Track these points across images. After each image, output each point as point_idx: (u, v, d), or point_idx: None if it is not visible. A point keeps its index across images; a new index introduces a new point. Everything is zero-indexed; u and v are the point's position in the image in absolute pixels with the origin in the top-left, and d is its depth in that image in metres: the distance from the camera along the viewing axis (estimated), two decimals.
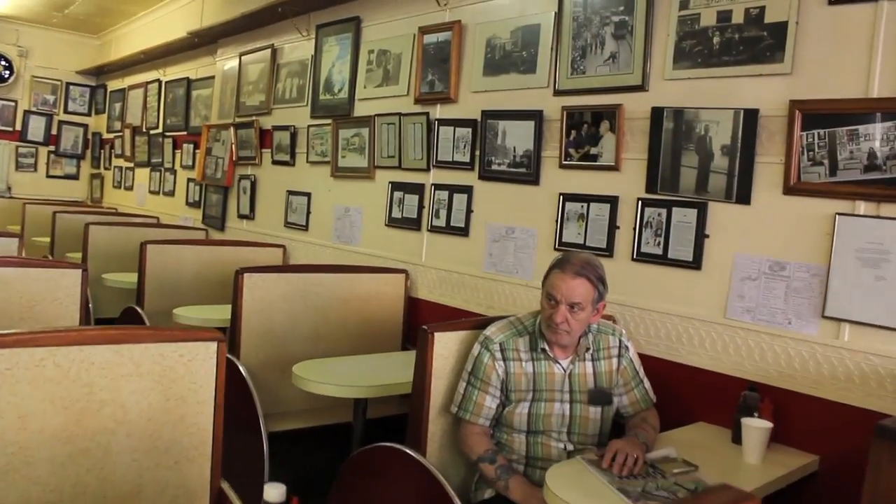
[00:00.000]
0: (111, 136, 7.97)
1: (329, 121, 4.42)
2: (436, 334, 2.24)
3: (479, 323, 2.37)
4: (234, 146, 5.39)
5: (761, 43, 2.49)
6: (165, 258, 4.26)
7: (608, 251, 2.92)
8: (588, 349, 2.24)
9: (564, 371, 2.22)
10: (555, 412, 2.20)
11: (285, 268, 3.45)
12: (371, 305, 3.66)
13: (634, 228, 2.84)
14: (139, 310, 4.06)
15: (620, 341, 2.32)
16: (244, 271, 3.22)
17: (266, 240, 4.95)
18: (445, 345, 2.29)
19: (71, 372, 1.60)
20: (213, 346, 1.78)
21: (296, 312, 3.40)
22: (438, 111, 3.70)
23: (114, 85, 8.04)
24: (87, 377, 1.62)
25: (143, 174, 7.13)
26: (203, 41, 5.77)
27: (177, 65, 6.59)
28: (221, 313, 3.63)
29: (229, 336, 3.26)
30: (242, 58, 5.41)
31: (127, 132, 7.31)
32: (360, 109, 4.23)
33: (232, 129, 5.39)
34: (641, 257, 2.82)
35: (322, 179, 4.51)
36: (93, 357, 1.63)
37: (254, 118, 5.19)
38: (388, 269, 3.77)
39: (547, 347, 2.20)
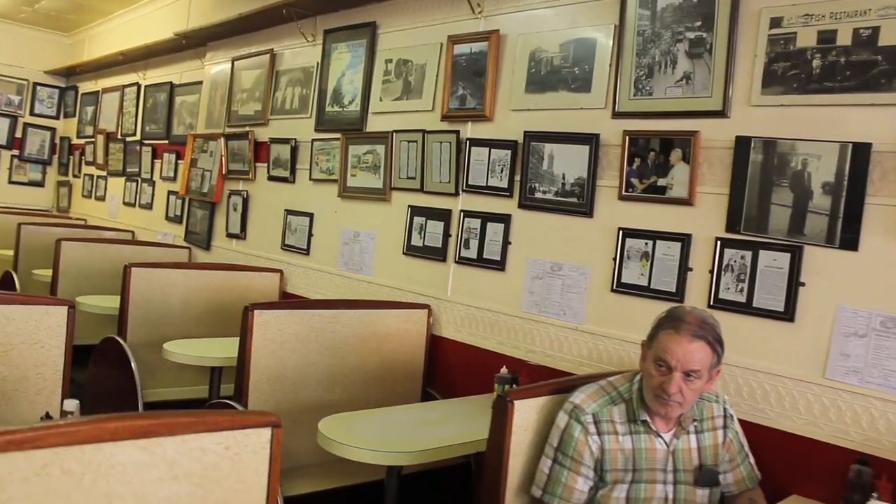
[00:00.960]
0: (81, 141, 7.40)
1: (337, 135, 4.02)
2: (516, 402, 1.85)
3: (560, 387, 2.00)
4: (223, 158, 4.94)
5: (874, 68, 2.19)
6: (151, 283, 3.80)
7: (678, 295, 2.58)
8: (693, 420, 1.89)
9: (667, 447, 1.86)
10: (657, 495, 1.85)
11: (298, 303, 3.04)
12: (390, 344, 3.26)
13: (711, 271, 2.51)
14: (121, 341, 3.60)
15: (725, 410, 1.99)
16: (254, 308, 2.80)
17: (260, 263, 4.51)
18: (524, 414, 1.91)
19: (85, 479, 1.18)
20: (267, 433, 1.37)
21: (310, 353, 2.99)
22: (470, 129, 3.33)
23: (86, 87, 7.48)
24: (107, 485, 1.20)
25: (116, 184, 6.60)
26: (191, 43, 5.32)
27: (158, 68, 6.11)
28: (219, 349, 3.22)
29: (235, 381, 2.84)
30: (235, 63, 4.98)
31: (100, 138, 6.77)
32: (375, 124, 3.84)
33: (222, 139, 4.94)
34: (720, 304, 2.48)
35: (327, 199, 4.10)
36: (113, 457, 1.21)
37: (248, 129, 4.75)
38: (409, 305, 3.38)
39: (648, 419, 1.84)
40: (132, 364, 3.50)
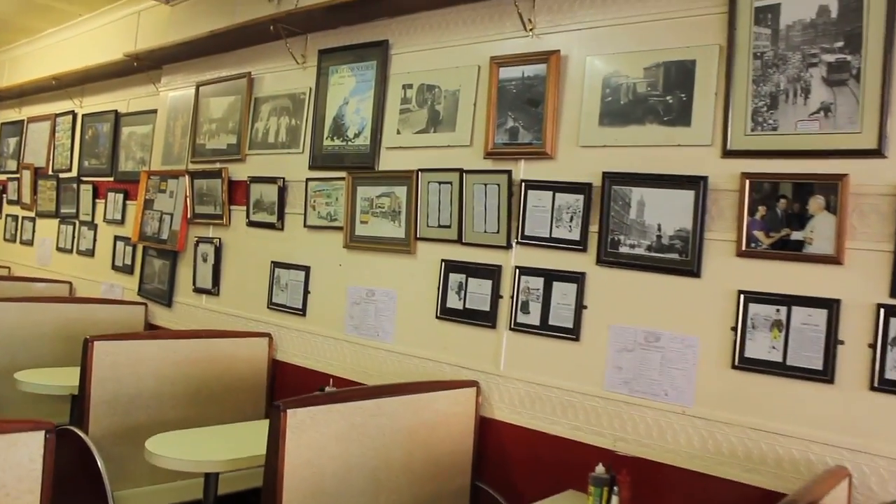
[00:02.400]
0: (2, 177, 6.42)
1: (341, 174, 3.39)
2: None
3: None
4: (188, 200, 4.20)
5: None
6: (118, 358, 3.06)
7: (825, 375, 2.10)
8: None
9: None
10: None
11: (338, 396, 2.38)
12: (438, 434, 2.66)
13: (873, 346, 2.03)
14: (81, 434, 2.85)
15: None
16: (287, 406, 2.14)
17: (238, 324, 3.80)
18: None
19: None
20: None
21: (350, 456, 2.35)
22: (524, 169, 2.79)
23: (7, 116, 6.51)
24: None
25: (48, 227, 5.69)
26: (143, 66, 4.56)
27: (100, 94, 5.29)
28: (218, 445, 2.55)
29: (263, 498, 2.16)
30: (202, 88, 4.27)
31: (26, 174, 5.85)
32: (390, 161, 3.23)
33: (186, 178, 4.21)
34: (887, 386, 2.00)
35: (329, 250, 3.45)
36: None
37: (219, 165, 4.05)
38: (455, 383, 2.78)
39: None
40: (98, 463, 2.76)
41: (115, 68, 4.84)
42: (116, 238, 4.91)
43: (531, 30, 2.81)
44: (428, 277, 3.05)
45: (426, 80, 3.13)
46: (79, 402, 2.99)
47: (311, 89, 3.62)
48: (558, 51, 2.70)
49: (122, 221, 4.88)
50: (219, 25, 3.94)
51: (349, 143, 3.39)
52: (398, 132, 3.20)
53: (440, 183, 3.01)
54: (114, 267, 4.91)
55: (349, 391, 2.78)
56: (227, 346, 3.46)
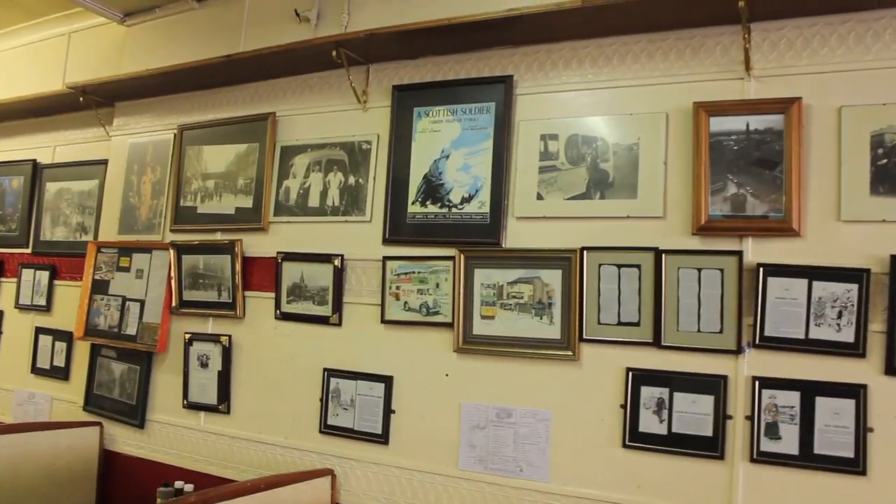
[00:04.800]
0: None
1: (446, 252, 2.52)
2: None
3: None
4: (173, 283, 3.08)
5: None
6: None
7: None
8: None
9: None
10: None
11: None
12: None
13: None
14: None
15: None
16: None
17: (266, 455, 2.78)
18: None
19: None
20: None
21: None
22: (756, 250, 2.12)
23: None
24: None
25: None
26: (91, 101, 3.39)
27: (7, 138, 3.95)
28: None
29: None
30: (187, 133, 3.19)
31: None
32: (524, 235, 2.44)
33: (170, 251, 3.09)
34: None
35: (425, 354, 2.55)
36: None
37: (221, 237, 3.00)
38: None
39: None
40: None
41: (33, 105, 3.60)
42: (39, 330, 3.59)
43: (748, 70, 2.17)
44: (603, 392, 2.26)
45: (580, 130, 2.39)
46: None
47: (379, 137, 2.73)
48: (799, 98, 2.08)
49: (46, 308, 3.59)
50: (200, 53, 2.99)
51: (453, 209, 2.54)
52: (539, 197, 2.41)
53: (620, 266, 2.26)
54: (35, 370, 3.57)
55: None
56: (281, 497, 2.42)
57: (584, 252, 2.31)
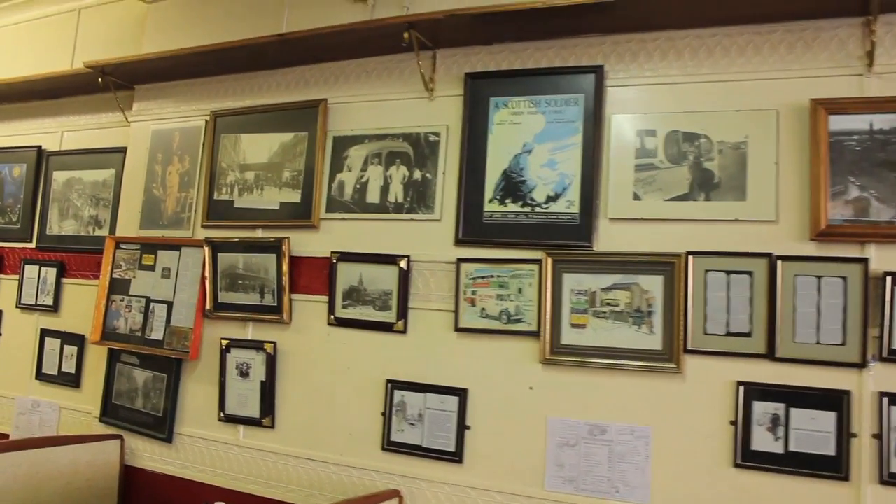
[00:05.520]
0: None
1: (530, 254, 2.34)
2: None
3: None
4: (207, 283, 2.82)
5: None
6: None
7: None
8: None
9: None
10: None
11: None
12: None
13: None
14: None
15: None
16: None
17: (319, 472, 2.56)
18: None
19: None
20: None
21: None
22: (876, 257, 1.98)
23: None
24: None
25: None
26: (111, 83, 3.09)
27: (5, 122, 3.60)
28: None
29: None
30: (221, 121, 2.93)
31: None
32: (618, 238, 2.27)
33: (204, 249, 2.83)
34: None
35: (505, 365, 2.36)
36: None
37: (262, 234, 2.76)
38: None
39: None
40: None
41: (40, 86, 3.28)
42: (45, 333, 3.27)
43: (868, 66, 2.04)
44: (710, 407, 2.10)
45: (680, 126, 2.23)
46: None
47: (448, 128, 2.53)
48: None
49: (53, 308, 3.27)
50: (239, 33, 2.73)
51: (536, 208, 2.36)
52: (636, 197, 2.24)
53: (729, 272, 2.11)
54: (40, 376, 3.26)
55: None
56: None
57: (690, 257, 2.15)
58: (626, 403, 2.20)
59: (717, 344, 2.11)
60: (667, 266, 2.17)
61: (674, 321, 2.15)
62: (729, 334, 2.11)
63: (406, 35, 2.41)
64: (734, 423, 2.07)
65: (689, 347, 2.14)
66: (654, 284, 2.19)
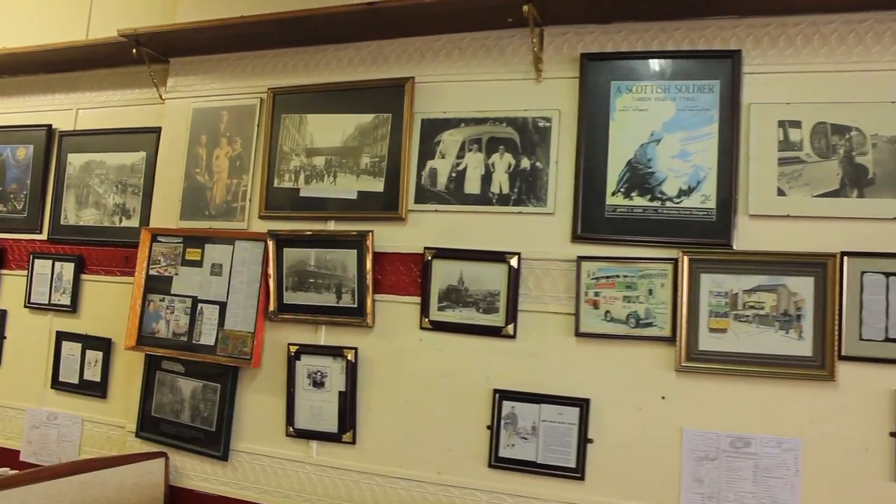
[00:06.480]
0: None
1: (662, 253, 2.15)
2: None
3: None
4: (271, 281, 2.51)
5: None
6: None
7: None
8: None
9: None
10: None
11: None
12: None
13: None
14: None
15: None
16: None
17: (407, 493, 2.32)
18: None
19: None
20: None
21: None
22: None
23: None
24: None
25: None
26: (145, 55, 2.71)
27: (8, 97, 3.15)
28: None
29: None
30: (280, 98, 2.61)
31: None
32: (762, 236, 2.11)
33: (268, 243, 2.52)
34: None
35: (633, 372, 2.17)
36: None
37: (343, 227, 2.47)
38: None
39: None
40: None
41: (58, 56, 2.86)
42: (61, 336, 2.86)
43: None
44: (867, 417, 1.98)
45: (828, 118, 2.08)
46: None
47: (560, 113, 2.31)
48: None
49: (72, 308, 2.87)
50: (292, 3, 2.43)
51: (667, 203, 2.17)
52: (780, 193, 2.09)
53: (889, 274, 1.98)
54: (57, 384, 2.85)
55: None
56: None
57: (845, 258, 2.01)
58: (773, 414, 2.05)
59: (875, 350, 1.98)
60: (818, 267, 2.03)
61: (826, 326, 2.01)
62: (888, 340, 1.98)
63: (525, 8, 2.17)
64: (895, 434, 1.95)
65: (844, 354, 2.00)
66: (803, 286, 2.04)
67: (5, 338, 3.00)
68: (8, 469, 2.73)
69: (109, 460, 2.41)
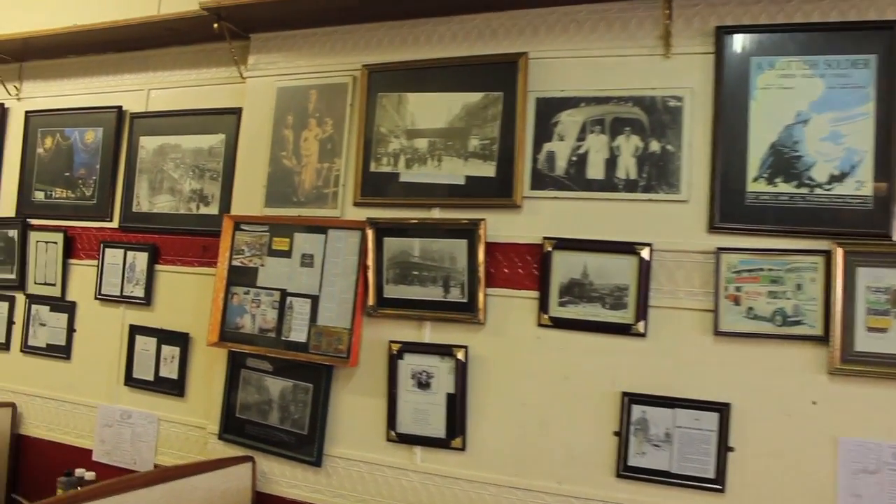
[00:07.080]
0: None
1: (810, 244, 1.97)
2: None
3: None
4: (370, 273, 2.33)
5: None
6: None
7: None
8: None
9: None
10: None
11: None
12: None
13: None
14: None
15: None
16: None
17: (524, 502, 2.15)
18: None
19: None
20: None
21: None
22: None
23: None
24: None
25: None
26: (226, 30, 2.53)
27: (61, 79, 2.98)
28: None
29: None
30: (377, 76, 2.43)
31: None
32: None
33: (367, 231, 2.34)
34: None
35: (780, 375, 1.99)
36: None
37: (450, 215, 2.29)
38: None
39: None
40: None
41: (131, 33, 2.68)
42: (135, 330, 2.70)
43: None
44: None
45: None
46: None
47: (692, 92, 2.12)
48: None
49: (145, 301, 2.71)
50: None
51: (816, 190, 1.99)
52: None
53: None
54: (130, 381, 2.69)
55: None
56: None
57: None
58: None
59: None
60: None
61: None
62: None
63: None
64: None
65: None
66: None
67: (75, 331, 2.84)
68: (84, 470, 2.56)
69: (198, 466, 2.25)
